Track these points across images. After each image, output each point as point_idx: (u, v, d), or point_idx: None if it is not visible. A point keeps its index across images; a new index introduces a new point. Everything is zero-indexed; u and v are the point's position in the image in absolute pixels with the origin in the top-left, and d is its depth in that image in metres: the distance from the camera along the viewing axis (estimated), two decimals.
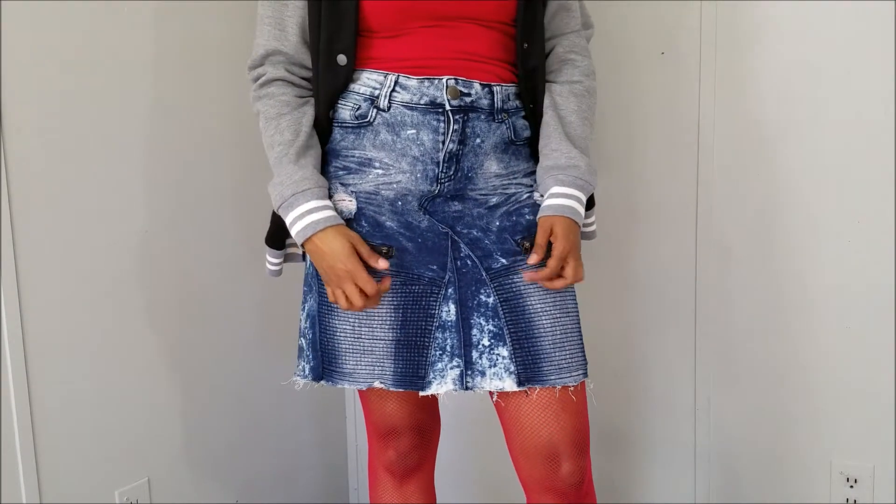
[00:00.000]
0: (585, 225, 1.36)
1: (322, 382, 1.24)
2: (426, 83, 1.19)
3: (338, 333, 1.22)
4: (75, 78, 1.47)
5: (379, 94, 1.20)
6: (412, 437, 1.35)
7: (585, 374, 1.22)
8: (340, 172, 1.23)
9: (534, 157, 1.30)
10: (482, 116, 1.21)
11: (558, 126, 1.25)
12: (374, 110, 1.20)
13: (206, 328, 1.73)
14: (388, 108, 1.20)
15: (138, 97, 1.56)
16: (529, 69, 1.26)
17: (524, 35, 1.25)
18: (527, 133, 1.28)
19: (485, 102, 1.21)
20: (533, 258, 1.19)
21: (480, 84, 1.20)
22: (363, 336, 1.21)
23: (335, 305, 1.21)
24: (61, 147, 1.46)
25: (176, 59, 1.61)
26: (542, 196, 1.25)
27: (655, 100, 1.70)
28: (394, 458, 1.36)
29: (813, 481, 1.67)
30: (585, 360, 1.22)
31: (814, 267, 1.60)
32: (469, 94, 1.20)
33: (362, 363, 1.22)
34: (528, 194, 1.26)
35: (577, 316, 1.24)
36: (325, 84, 1.22)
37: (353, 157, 1.22)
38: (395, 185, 1.21)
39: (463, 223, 1.23)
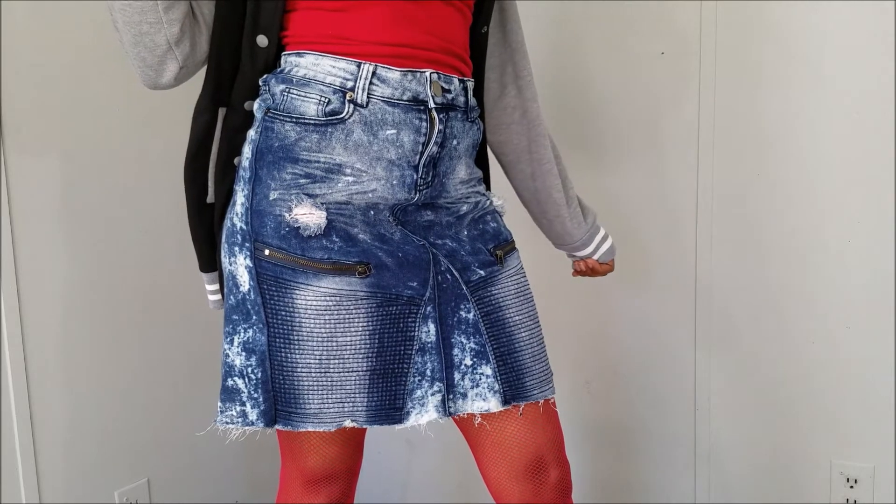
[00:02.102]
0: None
1: (277, 427, 1.06)
2: (409, 77, 1.03)
3: (298, 369, 1.03)
4: (75, 78, 1.47)
5: (354, 86, 1.02)
6: (345, 480, 1.21)
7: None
8: (303, 181, 1.03)
9: (478, 162, 1.22)
10: (459, 115, 1.09)
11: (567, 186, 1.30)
12: (350, 105, 1.02)
13: (206, 328, 1.73)
14: (367, 103, 1.02)
15: (138, 97, 1.56)
16: (480, 60, 1.17)
17: (484, 17, 1.14)
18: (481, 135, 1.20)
19: (461, 100, 1.09)
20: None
21: (458, 79, 1.08)
22: (331, 370, 1.04)
23: (294, 337, 1.03)
24: (61, 147, 1.46)
25: None
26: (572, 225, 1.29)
27: (655, 100, 1.70)
28: None
29: (813, 481, 1.66)
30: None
31: (814, 267, 1.60)
32: (450, 91, 1.07)
33: (330, 401, 1.04)
34: (487, 201, 1.18)
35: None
36: (246, 69, 1.06)
37: (318, 162, 1.03)
38: (369, 194, 1.05)
39: (434, 233, 1.11)
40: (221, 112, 1.07)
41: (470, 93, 1.11)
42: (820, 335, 1.62)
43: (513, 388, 1.09)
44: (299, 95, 1.02)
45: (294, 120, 1.03)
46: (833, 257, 1.58)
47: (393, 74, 1.02)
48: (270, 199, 1.04)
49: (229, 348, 1.06)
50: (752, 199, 1.64)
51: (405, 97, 1.03)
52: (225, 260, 1.08)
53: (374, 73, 1.02)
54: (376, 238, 1.06)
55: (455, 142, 1.09)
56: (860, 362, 1.59)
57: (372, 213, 1.06)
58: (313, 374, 1.04)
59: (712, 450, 1.75)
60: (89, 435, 1.54)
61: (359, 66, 1.01)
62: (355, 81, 1.02)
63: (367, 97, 1.02)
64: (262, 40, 1.04)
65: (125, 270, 1.57)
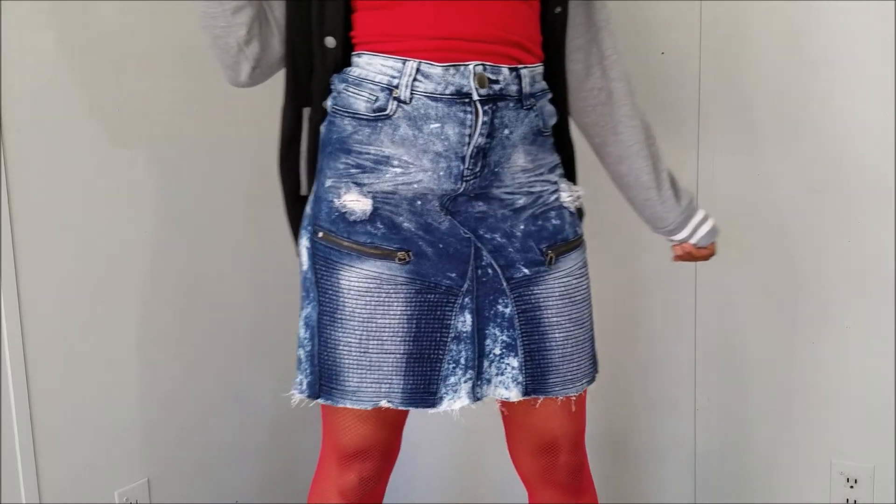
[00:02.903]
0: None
1: (320, 400, 1.13)
2: (451, 70, 1.06)
3: (340, 347, 1.11)
4: (75, 78, 1.47)
5: (399, 83, 1.07)
6: (378, 459, 1.22)
7: (592, 380, 1.22)
8: (353, 171, 1.11)
9: (557, 147, 1.22)
10: (510, 104, 1.10)
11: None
12: (395, 102, 1.07)
13: (207, 329, 1.73)
14: (410, 99, 1.07)
15: (138, 97, 1.56)
16: (557, 42, 1.18)
17: None
18: (553, 120, 1.19)
19: (513, 88, 1.09)
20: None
21: (508, 69, 1.08)
22: (370, 350, 1.10)
23: (338, 316, 1.10)
24: (61, 147, 1.46)
25: (178, 58, 1.60)
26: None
27: (655, 100, 1.70)
28: (354, 484, 1.21)
29: (813, 481, 1.66)
30: (595, 366, 1.24)
31: (813, 267, 1.60)
32: (497, 82, 1.07)
33: (367, 380, 1.11)
34: (554, 195, 1.18)
35: (591, 324, 1.23)
36: (319, 70, 1.13)
37: (369, 154, 1.10)
38: (415, 185, 1.10)
39: (486, 226, 1.14)
40: (306, 111, 1.17)
41: (525, 80, 1.11)
42: (820, 335, 1.62)
43: (535, 381, 1.15)
44: (354, 93, 1.10)
45: (350, 115, 1.10)
46: (833, 257, 1.58)
47: (435, 70, 1.06)
48: (326, 186, 1.13)
49: (299, 321, 1.17)
50: (752, 199, 1.64)
51: (448, 91, 1.06)
52: (298, 242, 1.19)
53: (418, 70, 1.06)
54: (421, 227, 1.12)
55: (507, 131, 1.11)
56: (860, 362, 1.59)
57: (419, 202, 1.11)
58: (353, 353, 1.11)
59: (712, 450, 1.75)
60: (89, 435, 1.54)
61: (404, 64, 1.07)
62: (400, 79, 1.07)
63: (411, 93, 1.07)
64: (329, 41, 1.11)
65: (125, 270, 1.57)
